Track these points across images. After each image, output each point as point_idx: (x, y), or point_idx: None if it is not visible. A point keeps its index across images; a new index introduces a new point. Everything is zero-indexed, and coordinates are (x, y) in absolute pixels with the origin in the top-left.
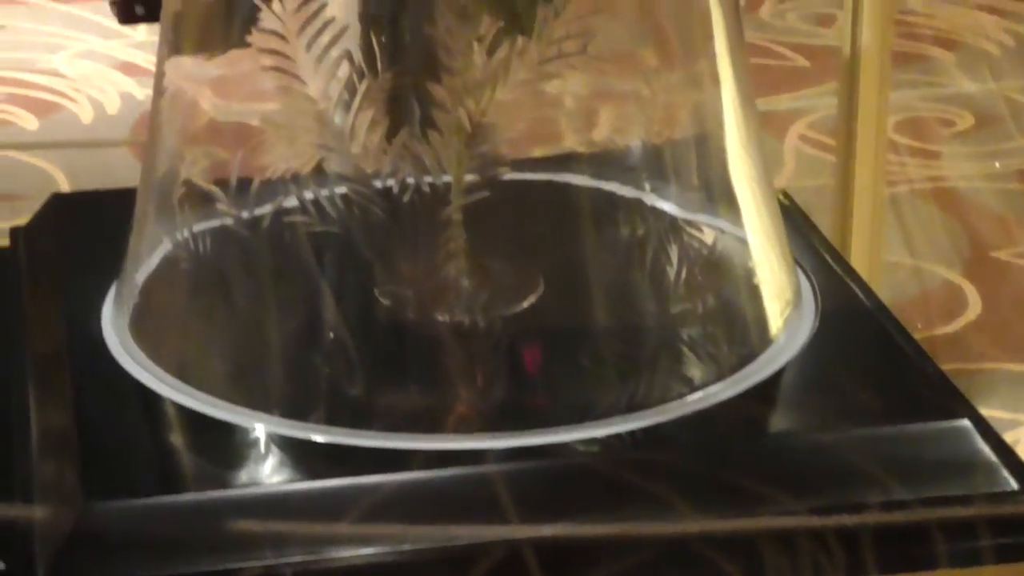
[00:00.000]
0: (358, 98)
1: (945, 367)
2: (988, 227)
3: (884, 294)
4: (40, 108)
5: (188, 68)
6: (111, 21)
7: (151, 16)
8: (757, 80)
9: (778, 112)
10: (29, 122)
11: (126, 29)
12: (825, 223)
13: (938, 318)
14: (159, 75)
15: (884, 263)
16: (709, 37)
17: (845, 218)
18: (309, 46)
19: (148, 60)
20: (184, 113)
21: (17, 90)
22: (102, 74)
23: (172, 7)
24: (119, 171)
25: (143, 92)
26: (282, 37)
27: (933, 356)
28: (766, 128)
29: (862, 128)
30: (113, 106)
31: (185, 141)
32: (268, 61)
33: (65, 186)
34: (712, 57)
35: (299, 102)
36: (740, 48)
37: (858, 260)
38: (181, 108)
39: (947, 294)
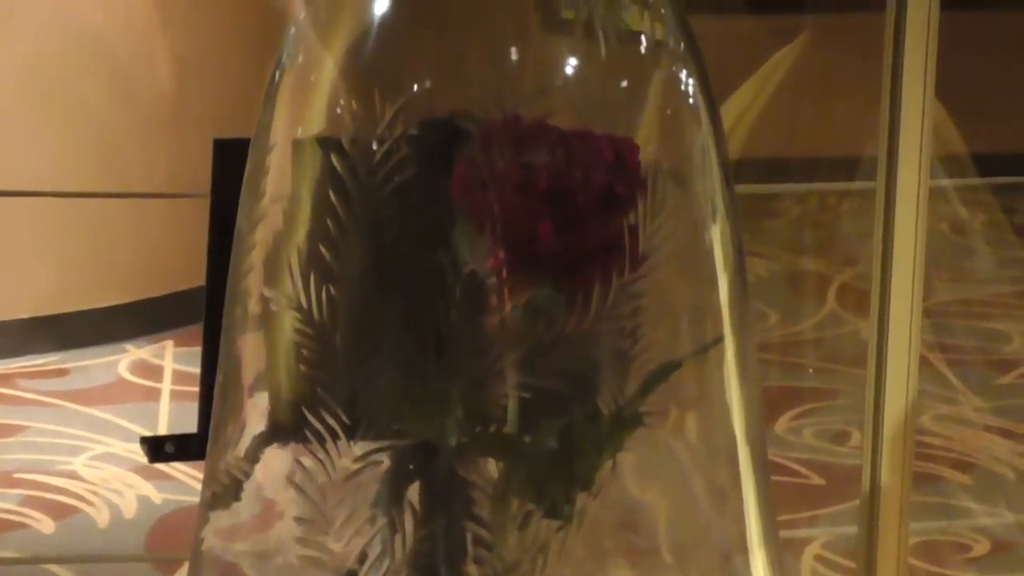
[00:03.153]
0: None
1: None
2: None
3: None
4: (57, 511)
5: (224, 526)
6: (132, 423)
7: (181, 455)
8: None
9: (795, 532)
10: (45, 525)
11: (147, 431)
12: None
13: None
14: (198, 535)
15: None
16: (741, 509)
17: None
18: (341, 529)
19: (167, 464)
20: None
21: (34, 492)
22: (120, 477)
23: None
24: None
25: (160, 496)
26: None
27: None
28: (782, 548)
29: (882, 557)
30: (130, 510)
31: None
32: (301, 550)
33: None
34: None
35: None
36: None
37: None
38: (214, 570)
39: None
